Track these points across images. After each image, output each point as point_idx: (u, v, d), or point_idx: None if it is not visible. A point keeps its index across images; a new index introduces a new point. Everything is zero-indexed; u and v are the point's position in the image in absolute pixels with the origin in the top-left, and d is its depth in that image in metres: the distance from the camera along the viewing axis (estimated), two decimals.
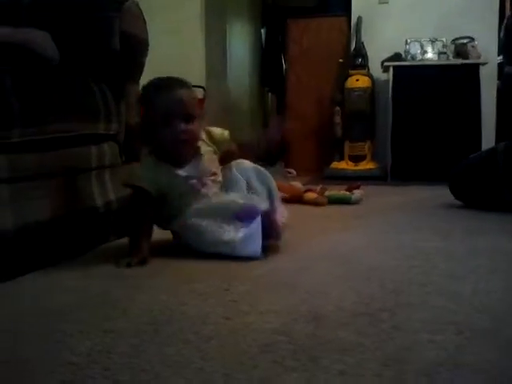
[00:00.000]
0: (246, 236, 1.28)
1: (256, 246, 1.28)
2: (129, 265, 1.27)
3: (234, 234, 1.29)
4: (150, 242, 1.37)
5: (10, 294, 1.09)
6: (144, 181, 1.36)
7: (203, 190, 1.40)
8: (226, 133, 1.50)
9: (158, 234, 1.46)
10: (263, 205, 1.35)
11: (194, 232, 1.35)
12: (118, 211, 1.61)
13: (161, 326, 0.87)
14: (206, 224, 1.33)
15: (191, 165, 1.41)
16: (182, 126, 1.34)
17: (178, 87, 1.37)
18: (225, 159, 1.49)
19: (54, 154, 1.34)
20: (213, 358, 0.74)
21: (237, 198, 1.37)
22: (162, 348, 0.78)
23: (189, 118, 1.35)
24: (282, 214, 1.45)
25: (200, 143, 1.43)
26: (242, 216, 1.29)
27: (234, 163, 1.48)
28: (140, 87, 1.48)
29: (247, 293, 1.06)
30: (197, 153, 1.42)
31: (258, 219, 1.27)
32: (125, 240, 1.61)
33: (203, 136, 1.45)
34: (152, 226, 1.41)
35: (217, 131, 1.49)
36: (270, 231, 1.33)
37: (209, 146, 1.46)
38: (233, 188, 1.44)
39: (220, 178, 1.45)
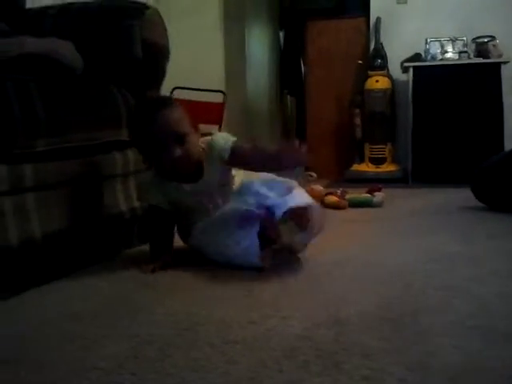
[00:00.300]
0: (243, 248, 1.25)
1: (253, 257, 1.24)
2: (153, 271, 1.29)
3: (235, 247, 1.27)
4: (171, 251, 1.40)
5: (37, 300, 1.11)
6: (154, 197, 1.38)
7: (210, 206, 1.38)
8: (231, 139, 1.39)
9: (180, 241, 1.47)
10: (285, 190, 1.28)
11: (200, 247, 1.37)
12: (143, 217, 1.63)
13: (186, 331, 0.89)
14: (209, 241, 1.33)
15: (197, 176, 1.38)
16: (177, 151, 1.29)
17: (160, 109, 1.31)
18: (234, 163, 1.40)
19: (78, 162, 1.36)
20: (238, 362, 0.75)
21: (242, 203, 1.30)
22: (188, 352, 0.80)
23: (181, 138, 1.31)
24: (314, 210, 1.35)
25: (203, 155, 1.38)
26: (242, 224, 1.26)
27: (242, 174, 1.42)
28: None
29: (270, 297, 1.07)
30: (201, 166, 1.38)
31: (257, 225, 1.24)
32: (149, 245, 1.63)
33: (206, 147, 1.39)
34: (172, 237, 1.43)
35: (219, 142, 1.38)
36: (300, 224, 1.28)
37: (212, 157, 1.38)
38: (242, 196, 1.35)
39: (235, 184, 1.42)
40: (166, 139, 1.29)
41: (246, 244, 1.24)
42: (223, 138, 1.39)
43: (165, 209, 1.38)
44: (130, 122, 1.40)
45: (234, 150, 1.37)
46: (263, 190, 1.26)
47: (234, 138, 1.39)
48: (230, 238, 1.27)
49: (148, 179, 1.42)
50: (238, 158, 1.37)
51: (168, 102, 1.39)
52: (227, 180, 1.42)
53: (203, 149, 1.39)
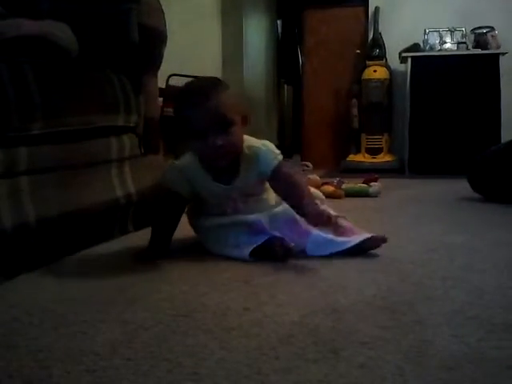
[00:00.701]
0: (239, 252, 1.25)
1: (244, 251, 1.24)
2: (146, 258, 1.26)
3: (234, 249, 1.27)
4: (171, 238, 1.36)
5: (31, 284, 1.10)
6: (178, 185, 1.30)
7: (229, 210, 1.32)
8: (279, 157, 1.29)
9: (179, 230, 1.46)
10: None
11: (202, 234, 1.37)
12: (138, 203, 1.62)
13: (182, 317, 0.88)
14: (213, 234, 1.32)
15: (231, 177, 1.29)
16: (219, 140, 1.19)
17: (210, 93, 1.20)
18: (273, 182, 1.31)
19: (74, 146, 1.35)
20: (235, 349, 0.75)
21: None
22: (184, 338, 0.79)
23: (226, 126, 1.20)
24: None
25: (244, 157, 1.28)
26: (251, 232, 1.26)
27: None
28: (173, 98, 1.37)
29: (267, 285, 1.06)
30: (236, 165, 1.28)
31: (263, 238, 1.23)
32: (144, 231, 1.62)
33: (250, 152, 1.28)
34: (177, 225, 1.35)
35: (267, 155, 1.28)
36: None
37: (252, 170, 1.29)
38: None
39: (265, 196, 1.35)
40: (211, 127, 1.19)
41: (244, 251, 1.23)
42: (272, 153, 1.28)
43: (183, 196, 1.31)
44: (175, 100, 1.28)
45: (278, 170, 1.27)
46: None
47: (281, 156, 1.30)
48: (233, 238, 1.27)
49: (179, 164, 1.32)
50: (279, 180, 1.28)
51: (221, 85, 1.25)
52: (256, 192, 1.34)
53: (245, 151, 1.28)
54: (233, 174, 1.28)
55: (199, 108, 1.19)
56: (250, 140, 1.30)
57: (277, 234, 1.26)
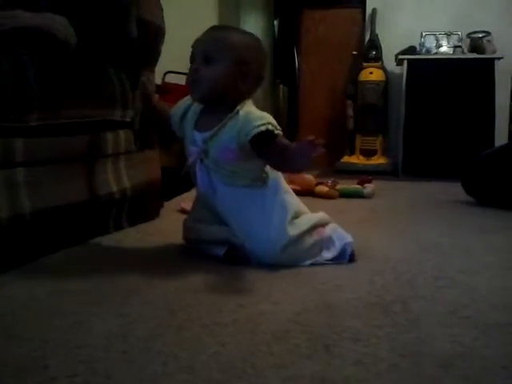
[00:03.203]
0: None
1: (220, 249, 1.23)
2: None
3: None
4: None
5: (25, 276, 1.10)
6: (176, 109, 1.29)
7: (189, 161, 1.23)
8: (271, 125, 1.13)
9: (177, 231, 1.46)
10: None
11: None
12: (133, 199, 1.62)
13: (176, 312, 0.88)
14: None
15: (207, 125, 1.19)
16: (193, 65, 1.17)
17: (220, 28, 1.23)
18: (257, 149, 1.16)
19: (70, 139, 1.34)
20: (229, 344, 0.75)
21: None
22: (179, 332, 0.79)
23: (209, 60, 1.15)
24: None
25: (244, 103, 1.18)
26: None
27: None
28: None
29: (261, 283, 1.06)
30: (217, 112, 1.18)
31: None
32: (139, 227, 1.62)
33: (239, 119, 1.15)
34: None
35: (255, 117, 1.14)
36: None
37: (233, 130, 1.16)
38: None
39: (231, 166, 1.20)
40: (196, 54, 1.17)
41: (219, 250, 1.22)
42: (261, 119, 1.13)
43: (172, 124, 1.28)
44: None
45: (264, 141, 1.12)
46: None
47: (278, 131, 1.14)
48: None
49: (186, 100, 1.28)
50: (267, 153, 1.15)
51: (242, 31, 1.27)
52: (224, 164, 1.19)
53: (240, 113, 1.16)
54: (214, 123, 1.18)
55: (203, 35, 1.19)
56: (251, 107, 1.20)
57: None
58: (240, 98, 1.19)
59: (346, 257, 1.23)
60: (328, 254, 1.23)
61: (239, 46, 1.17)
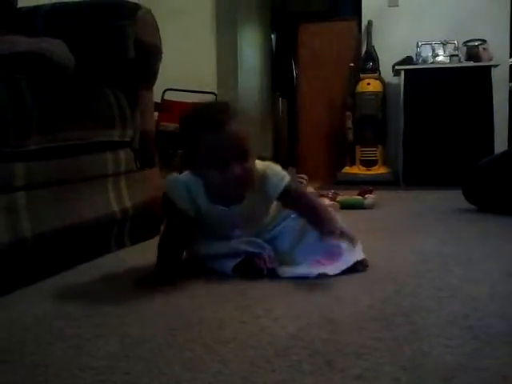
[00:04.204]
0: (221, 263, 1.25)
1: (228, 265, 1.23)
2: (159, 283, 1.18)
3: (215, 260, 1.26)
4: (179, 260, 1.29)
5: (27, 299, 1.10)
6: (183, 202, 1.23)
7: (233, 235, 1.26)
8: (286, 179, 1.25)
9: None
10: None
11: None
12: (134, 217, 1.63)
13: (178, 331, 0.88)
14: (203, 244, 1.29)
15: (234, 201, 1.24)
16: (238, 169, 1.14)
17: (227, 121, 1.15)
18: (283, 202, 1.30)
19: (70, 161, 1.36)
20: (231, 362, 0.75)
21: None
22: (181, 352, 0.79)
23: (245, 155, 1.16)
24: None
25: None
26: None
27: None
28: (180, 122, 1.33)
29: (262, 297, 1.07)
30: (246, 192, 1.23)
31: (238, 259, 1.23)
32: (140, 245, 1.63)
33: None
34: (184, 246, 1.29)
35: (273, 178, 1.24)
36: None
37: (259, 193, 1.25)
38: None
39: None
40: (230, 157, 1.14)
41: (228, 264, 1.23)
42: (278, 175, 1.25)
43: (189, 215, 1.24)
44: (187, 129, 1.22)
45: (288, 192, 1.24)
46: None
47: (288, 177, 1.26)
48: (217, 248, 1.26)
49: (179, 179, 1.26)
50: (290, 200, 1.27)
51: (237, 113, 1.21)
52: (261, 216, 1.31)
53: None
54: (237, 199, 1.24)
55: (217, 137, 1.15)
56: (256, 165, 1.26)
57: (257, 250, 1.25)
58: None
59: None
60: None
61: (247, 129, 1.21)
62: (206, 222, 1.28)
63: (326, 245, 1.23)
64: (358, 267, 1.24)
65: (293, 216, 1.32)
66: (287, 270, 1.22)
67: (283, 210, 1.33)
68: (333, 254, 1.24)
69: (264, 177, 1.24)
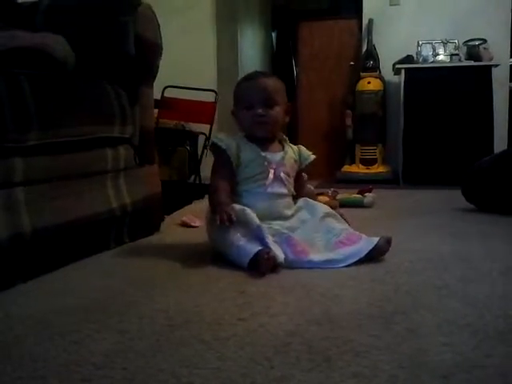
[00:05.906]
0: (241, 246, 1.27)
1: (244, 259, 1.24)
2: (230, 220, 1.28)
3: (236, 239, 1.28)
4: (230, 198, 1.39)
5: (25, 295, 1.10)
6: (228, 144, 1.43)
7: (270, 176, 1.44)
8: (312, 156, 1.58)
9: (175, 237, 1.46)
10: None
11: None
12: (133, 214, 1.62)
13: (177, 327, 0.88)
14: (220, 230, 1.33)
15: (273, 151, 1.48)
16: (260, 110, 1.41)
17: (260, 77, 1.47)
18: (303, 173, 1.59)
19: (69, 157, 1.35)
20: (229, 359, 0.75)
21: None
22: (179, 348, 0.79)
23: (269, 103, 1.43)
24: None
25: (284, 137, 1.53)
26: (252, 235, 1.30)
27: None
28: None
29: (261, 295, 1.07)
30: (279, 141, 1.52)
31: (257, 246, 1.26)
32: (139, 242, 1.63)
33: (293, 148, 1.54)
34: (231, 185, 1.43)
35: (306, 151, 1.58)
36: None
37: (294, 155, 1.53)
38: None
39: (291, 181, 1.50)
40: (257, 101, 1.42)
41: (244, 259, 1.24)
42: (308, 151, 1.58)
43: (231, 159, 1.42)
44: (236, 87, 1.51)
45: (308, 166, 1.57)
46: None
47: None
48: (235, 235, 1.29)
49: (228, 135, 1.48)
50: (300, 175, 1.57)
51: (270, 74, 1.55)
52: (292, 174, 1.51)
53: (288, 142, 1.54)
54: (276, 150, 1.49)
55: (250, 85, 1.46)
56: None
57: (273, 244, 1.27)
58: (278, 129, 1.53)
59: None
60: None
61: (283, 90, 1.49)
62: (246, 172, 1.44)
63: (346, 230, 1.41)
64: (374, 253, 1.34)
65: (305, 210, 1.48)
66: (313, 259, 1.29)
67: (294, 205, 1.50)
68: (353, 237, 1.37)
69: (299, 148, 1.57)
